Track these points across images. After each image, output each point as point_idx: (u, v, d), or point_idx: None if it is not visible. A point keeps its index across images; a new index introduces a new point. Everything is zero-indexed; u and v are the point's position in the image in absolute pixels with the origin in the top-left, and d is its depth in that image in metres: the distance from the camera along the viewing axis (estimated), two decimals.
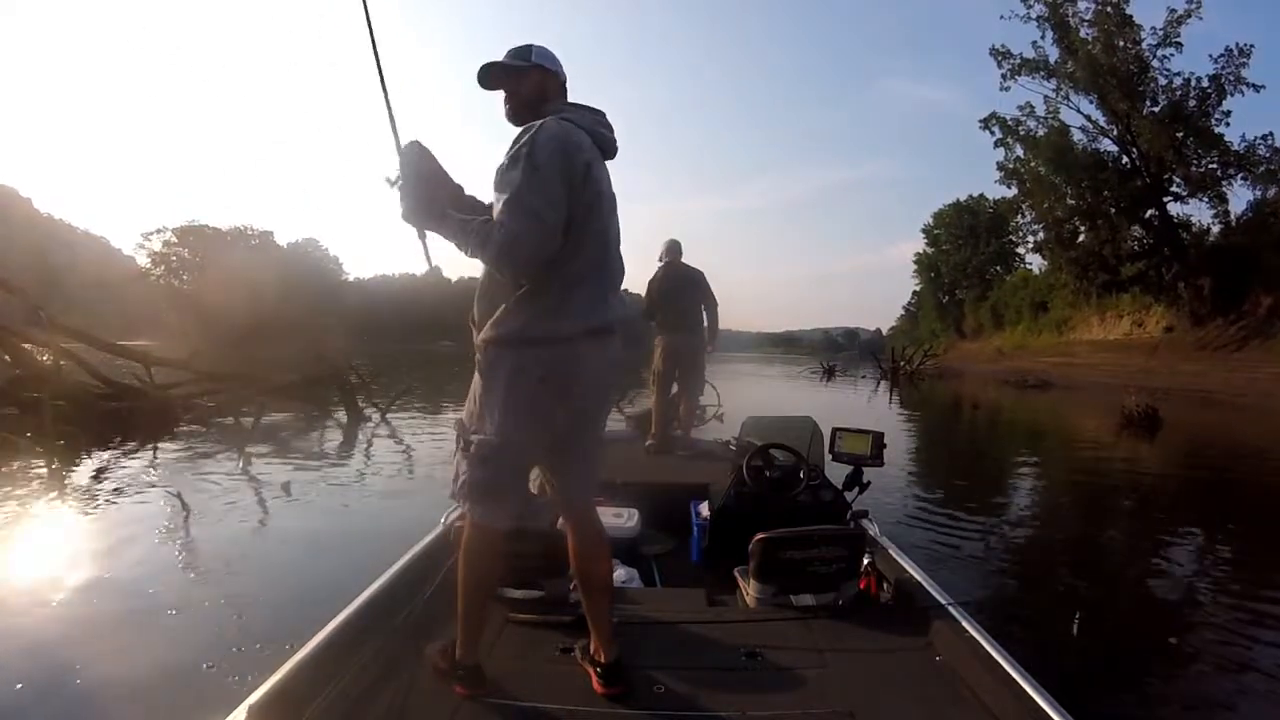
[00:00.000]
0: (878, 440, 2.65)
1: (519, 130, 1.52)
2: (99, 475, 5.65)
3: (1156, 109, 28.94)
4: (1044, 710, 1.47)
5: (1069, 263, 32.79)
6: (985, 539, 4.53)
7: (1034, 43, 30.62)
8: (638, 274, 5.08)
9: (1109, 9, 28.56)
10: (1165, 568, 4.15)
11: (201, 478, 5.53)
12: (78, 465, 5.94)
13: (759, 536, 2.18)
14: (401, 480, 5.89)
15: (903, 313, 76.64)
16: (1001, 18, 30.97)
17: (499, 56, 1.64)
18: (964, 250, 56.24)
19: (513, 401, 1.51)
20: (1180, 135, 28.35)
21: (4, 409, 7.10)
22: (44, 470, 5.64)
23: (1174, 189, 29.80)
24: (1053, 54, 30.13)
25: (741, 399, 10.38)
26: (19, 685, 2.23)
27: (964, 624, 1.91)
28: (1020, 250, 44.60)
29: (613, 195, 1.62)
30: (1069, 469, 8.05)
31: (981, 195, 54.20)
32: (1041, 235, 34.45)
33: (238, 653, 2.42)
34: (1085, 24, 29.22)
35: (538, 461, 1.70)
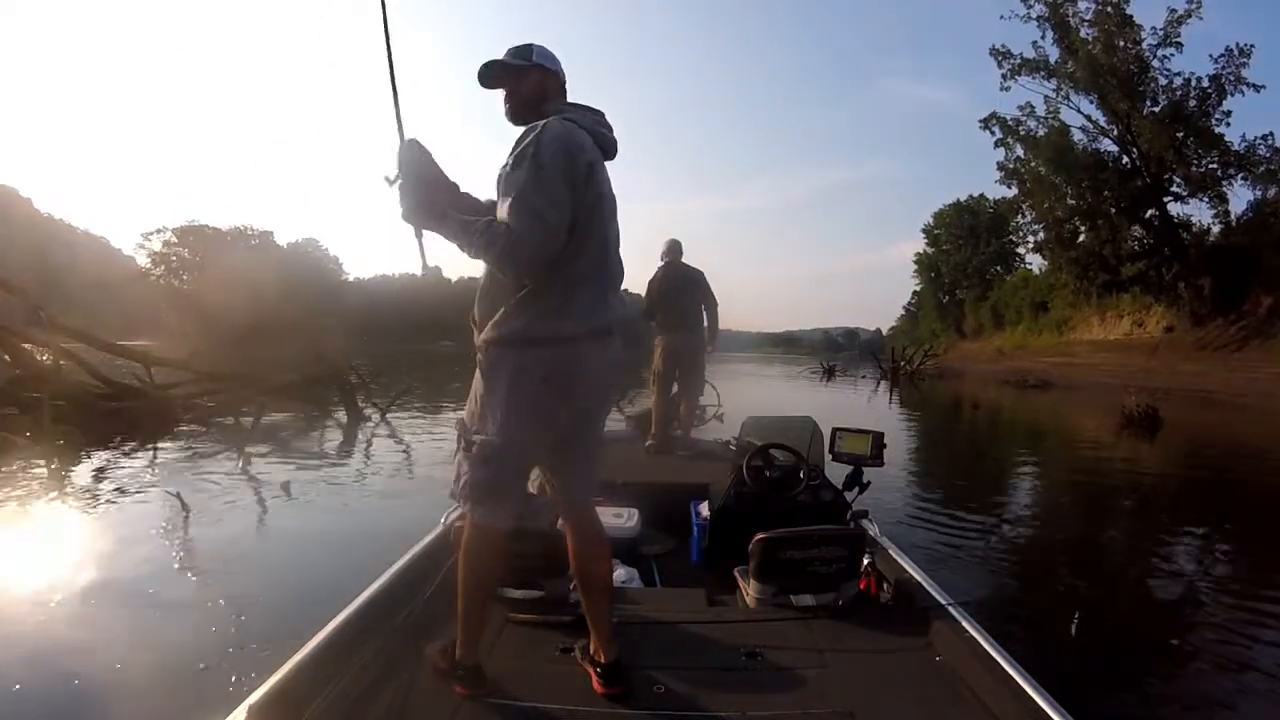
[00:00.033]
0: (878, 440, 2.65)
1: (522, 130, 1.52)
2: (99, 475, 5.65)
3: (1157, 109, 28.95)
4: (1044, 710, 1.46)
5: (1069, 263, 32.78)
6: (985, 539, 4.53)
7: (1034, 43, 30.67)
8: (638, 274, 5.08)
9: (1109, 9, 28.58)
10: (1165, 568, 4.14)
11: (201, 478, 5.53)
12: (77, 465, 5.94)
13: (759, 536, 2.18)
14: (401, 480, 5.89)
15: (903, 313, 76.74)
16: (1001, 18, 31.03)
17: (499, 56, 1.64)
18: (964, 250, 56.23)
19: (515, 401, 1.51)
20: (1180, 135, 28.35)
21: (4, 409, 7.10)
22: (43, 470, 5.64)
23: (1174, 189, 29.83)
24: (1053, 54, 30.19)
25: (741, 399, 10.38)
26: (18, 686, 2.23)
27: (964, 624, 1.91)
28: (1020, 250, 44.68)
29: (613, 196, 1.62)
30: (1069, 469, 8.05)
31: (982, 195, 54.31)
32: (1042, 235, 34.48)
33: (238, 653, 2.42)
34: (1085, 24, 29.26)
35: (539, 462, 1.69)
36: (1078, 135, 31.12)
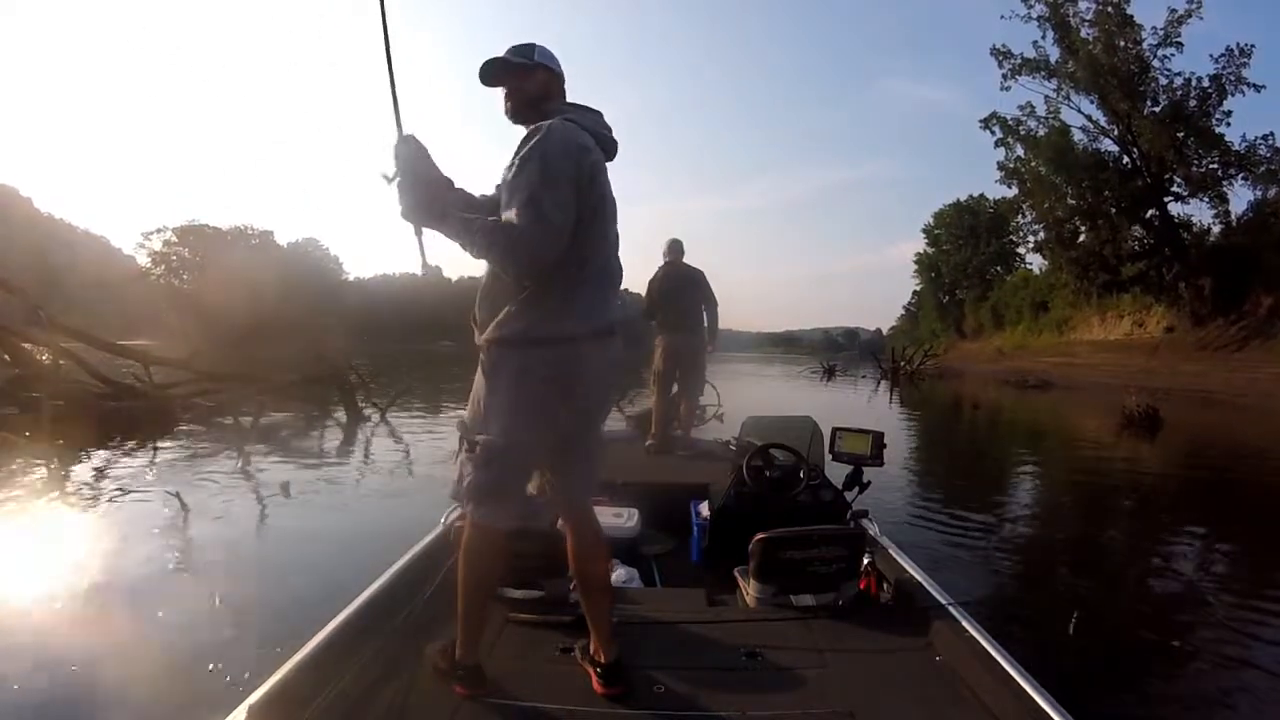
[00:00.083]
0: (878, 440, 2.65)
1: (527, 131, 1.52)
2: (98, 475, 5.64)
3: (1157, 109, 28.96)
4: (1044, 710, 1.46)
5: (1069, 263, 32.78)
6: (985, 539, 4.53)
7: (1035, 43, 30.69)
8: (638, 274, 5.08)
9: (1110, 9, 28.57)
10: (1165, 568, 4.14)
11: (201, 477, 5.53)
12: (77, 465, 5.94)
13: (759, 536, 2.18)
14: (401, 480, 5.89)
15: (903, 313, 76.72)
16: (1002, 18, 31.02)
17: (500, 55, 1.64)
18: (964, 250, 56.22)
19: (518, 402, 1.51)
20: (1181, 135, 28.35)
21: (4, 408, 7.10)
22: (43, 470, 5.64)
23: (1175, 189, 29.83)
24: (1053, 54, 30.20)
25: (741, 399, 10.37)
26: (18, 686, 2.23)
27: (964, 624, 1.91)
28: (1021, 250, 44.68)
29: (614, 198, 1.62)
30: (1069, 469, 8.04)
31: (982, 195, 54.31)
32: (1042, 235, 34.48)
33: (238, 653, 2.42)
34: (1086, 24, 29.26)
35: (541, 462, 1.69)
36: (1078, 135, 31.20)
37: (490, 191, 1.69)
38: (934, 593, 2.12)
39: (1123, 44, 28.69)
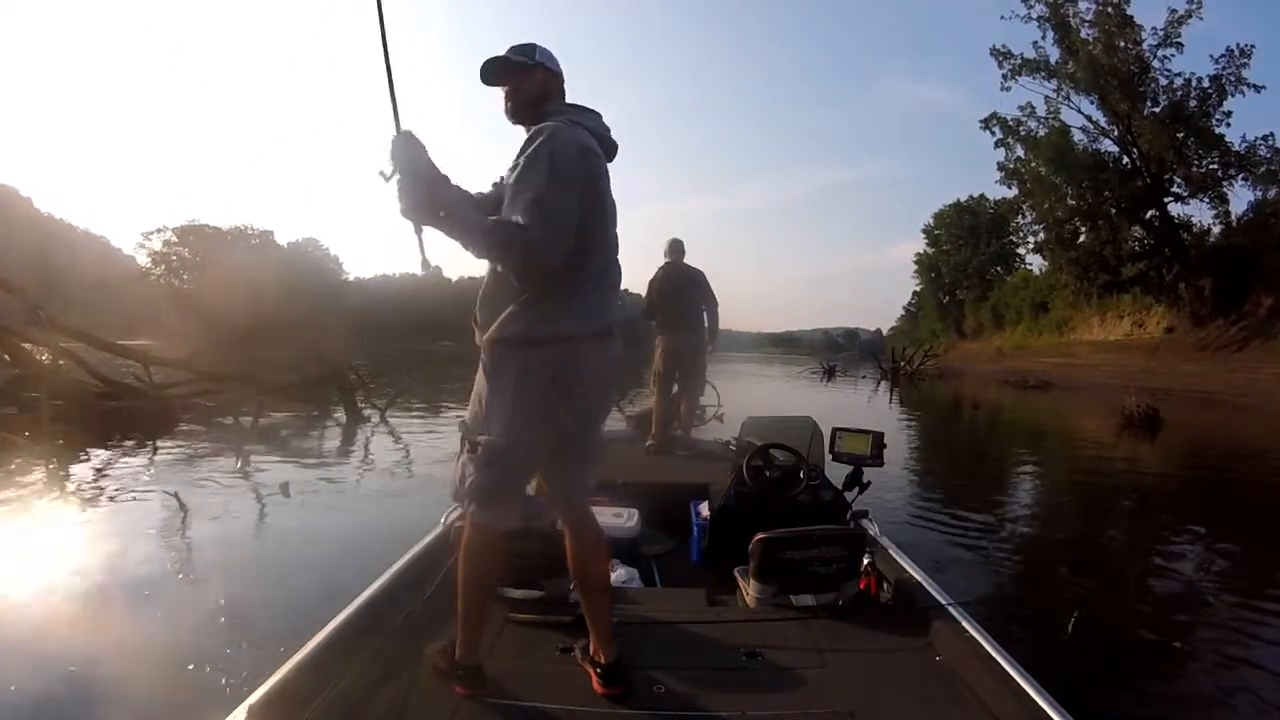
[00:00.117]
0: (878, 440, 2.65)
1: (523, 130, 1.52)
2: (98, 475, 5.64)
3: (1157, 109, 28.98)
4: (1044, 710, 1.47)
5: (1069, 263, 32.79)
6: (985, 539, 4.53)
7: (1035, 43, 30.73)
8: (638, 274, 5.08)
9: (1110, 9, 28.60)
10: (1165, 568, 4.14)
11: (201, 477, 5.53)
12: (76, 465, 5.94)
13: (759, 536, 2.18)
14: (401, 480, 5.89)
15: (903, 313, 76.70)
16: (1002, 18, 31.06)
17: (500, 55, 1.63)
18: (964, 250, 56.23)
19: (520, 402, 1.51)
20: (1181, 136, 28.37)
21: (3, 408, 7.10)
22: (43, 469, 5.64)
23: (1175, 189, 29.86)
24: (1053, 54, 30.24)
25: (741, 399, 10.37)
26: (18, 687, 2.23)
27: (964, 624, 1.91)
28: (1021, 251, 44.69)
29: (613, 200, 1.63)
30: (1069, 469, 8.04)
31: (982, 195, 54.33)
32: (1042, 236, 34.51)
33: (238, 653, 2.42)
34: (1086, 24, 29.30)
35: (542, 462, 1.69)
36: (1078, 135, 31.22)
37: (487, 189, 1.69)
38: (934, 593, 2.12)
39: (1123, 44, 28.71)
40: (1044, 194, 31.78)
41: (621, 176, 1.68)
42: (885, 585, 2.31)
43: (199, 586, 3.18)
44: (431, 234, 1.54)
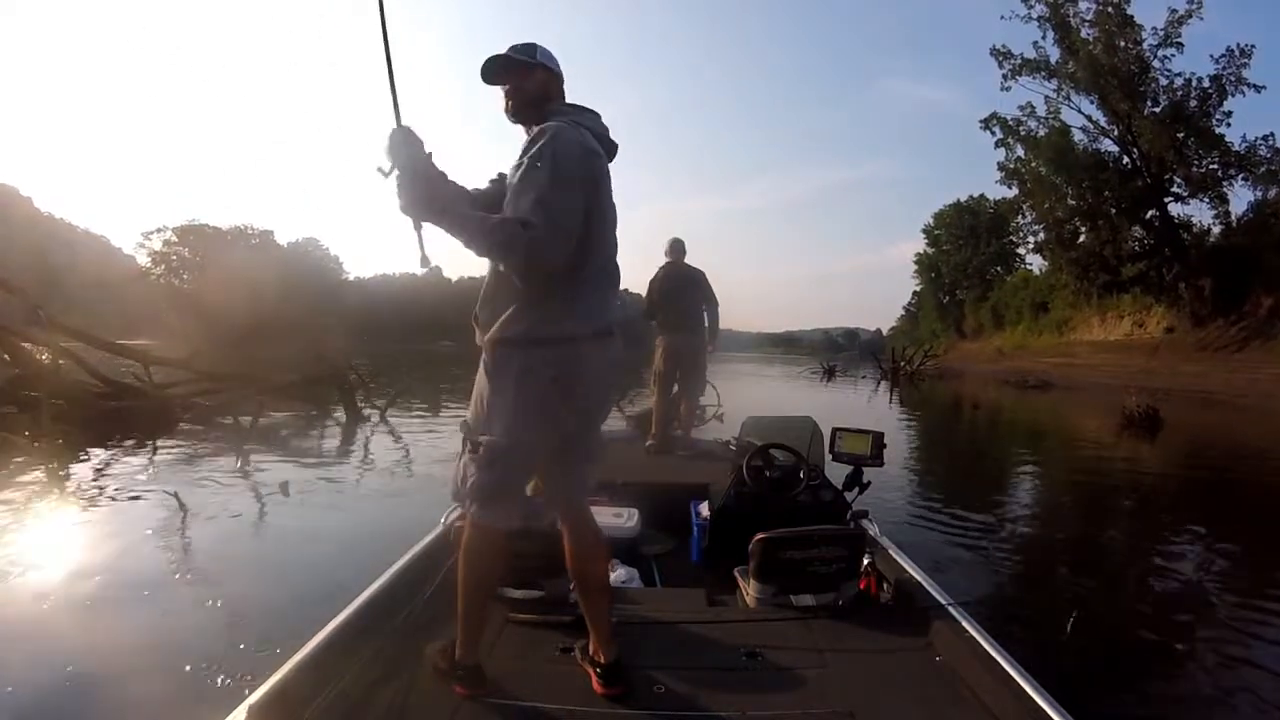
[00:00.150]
0: (878, 440, 2.65)
1: (532, 131, 1.52)
2: (98, 474, 5.64)
3: (1157, 109, 28.99)
4: (1044, 710, 1.47)
5: (1069, 263, 32.79)
6: (985, 539, 4.53)
7: (1035, 43, 30.76)
8: (638, 274, 5.08)
9: (1110, 9, 28.61)
10: (1165, 568, 4.14)
11: (200, 477, 5.53)
12: (76, 464, 5.93)
13: (759, 536, 2.18)
14: (401, 480, 5.89)
15: (903, 313, 76.69)
16: (1002, 18, 31.07)
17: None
18: (964, 250, 56.23)
19: (523, 402, 1.51)
20: (1181, 135, 28.37)
21: (3, 408, 7.10)
22: (42, 469, 5.64)
23: (1175, 189, 29.86)
24: (1054, 54, 30.25)
25: (741, 399, 10.38)
26: (17, 687, 2.23)
27: (964, 624, 1.91)
28: (1021, 250, 44.69)
29: (613, 201, 1.63)
30: (1069, 469, 8.04)
31: (982, 195, 54.34)
32: (1042, 236, 34.52)
33: (238, 653, 2.42)
34: (1086, 24, 29.31)
35: (543, 462, 1.69)
36: (1078, 135, 31.24)
37: (483, 185, 1.69)
38: (934, 593, 2.12)
39: (1123, 44, 28.72)
40: (1044, 194, 31.78)
41: (621, 176, 1.68)
42: (885, 585, 2.31)
43: (198, 586, 3.17)
44: (431, 231, 1.52)
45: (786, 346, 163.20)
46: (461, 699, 1.58)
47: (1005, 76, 31.20)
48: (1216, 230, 30.35)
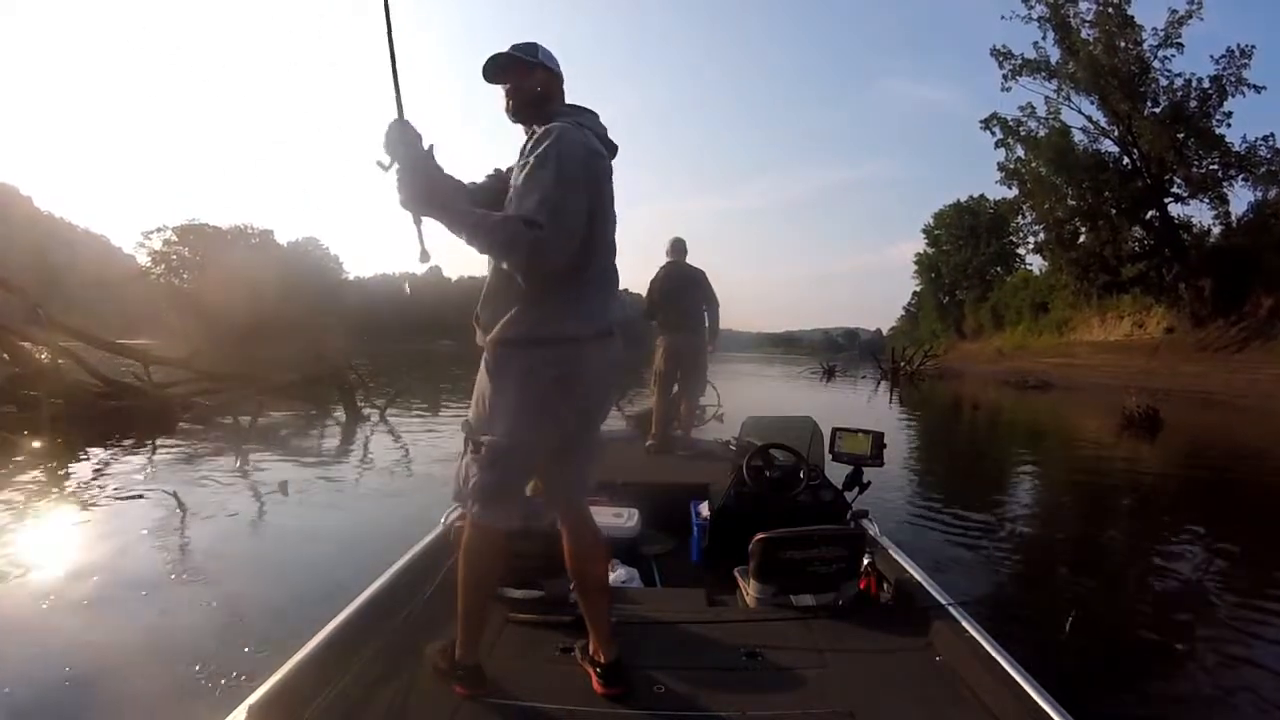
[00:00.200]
0: (878, 440, 2.65)
1: (535, 131, 1.52)
2: (97, 474, 5.64)
3: (1157, 110, 28.97)
4: (1044, 710, 1.46)
5: (1069, 263, 32.78)
6: (985, 539, 4.53)
7: (1035, 43, 30.74)
8: (638, 274, 5.08)
9: (1110, 10, 28.59)
10: (1165, 568, 4.14)
11: (200, 477, 5.52)
12: (76, 464, 5.93)
13: (759, 536, 2.18)
14: (401, 480, 5.89)
15: (903, 313, 76.62)
16: (1002, 18, 31.05)
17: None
18: (964, 251, 56.20)
19: (524, 402, 1.51)
20: (1181, 136, 28.36)
21: (3, 407, 7.10)
22: (42, 469, 5.64)
23: (1175, 190, 29.84)
24: (1054, 54, 30.21)
25: (741, 399, 10.37)
26: (17, 687, 2.23)
27: (964, 624, 1.91)
28: (1021, 251, 44.60)
29: (614, 203, 1.63)
30: (1069, 469, 8.05)
31: (982, 196, 54.25)
32: (1042, 236, 34.48)
33: (238, 653, 2.42)
34: (1086, 25, 29.28)
35: (543, 462, 1.69)
36: (1078, 136, 31.21)
37: (480, 179, 1.68)
38: (934, 593, 2.12)
39: (1123, 45, 28.70)
40: (1044, 194, 31.77)
41: (621, 176, 1.68)
42: (885, 585, 2.31)
43: (198, 586, 3.17)
44: (431, 227, 1.51)
45: (786, 346, 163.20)
46: (461, 699, 1.58)
47: (1005, 77, 31.23)
48: (1216, 231, 30.39)
